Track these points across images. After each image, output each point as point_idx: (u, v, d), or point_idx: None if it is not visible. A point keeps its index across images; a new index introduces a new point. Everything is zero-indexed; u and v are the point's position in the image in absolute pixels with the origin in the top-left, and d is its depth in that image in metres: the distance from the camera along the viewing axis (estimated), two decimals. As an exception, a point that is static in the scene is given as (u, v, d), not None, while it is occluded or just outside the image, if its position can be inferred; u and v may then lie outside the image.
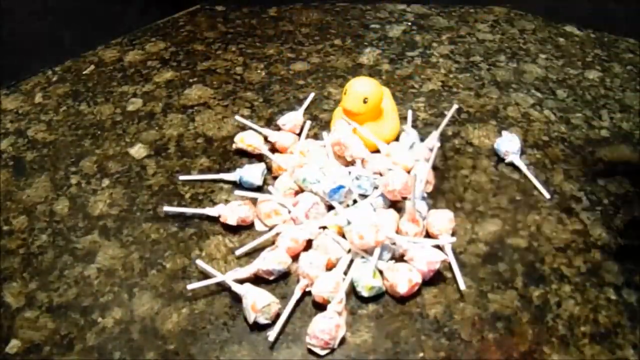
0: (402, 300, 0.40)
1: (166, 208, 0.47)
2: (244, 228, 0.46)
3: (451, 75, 0.64)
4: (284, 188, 0.47)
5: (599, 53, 0.68)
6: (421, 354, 0.37)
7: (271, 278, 0.41)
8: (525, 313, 0.40)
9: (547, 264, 0.43)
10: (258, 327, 0.39)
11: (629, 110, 0.59)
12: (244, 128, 0.56)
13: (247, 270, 0.41)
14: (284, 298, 0.40)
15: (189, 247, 0.45)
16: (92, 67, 0.67)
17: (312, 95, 0.59)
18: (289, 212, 0.45)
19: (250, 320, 0.38)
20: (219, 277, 0.40)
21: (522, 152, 0.52)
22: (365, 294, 0.40)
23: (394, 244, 0.42)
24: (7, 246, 0.45)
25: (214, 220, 0.46)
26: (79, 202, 0.49)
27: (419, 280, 0.40)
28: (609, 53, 0.68)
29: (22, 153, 0.55)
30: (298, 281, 0.41)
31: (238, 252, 0.43)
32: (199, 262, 0.41)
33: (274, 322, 0.39)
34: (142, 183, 0.51)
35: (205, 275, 0.42)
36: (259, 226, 0.46)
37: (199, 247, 0.45)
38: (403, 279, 0.39)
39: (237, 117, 0.56)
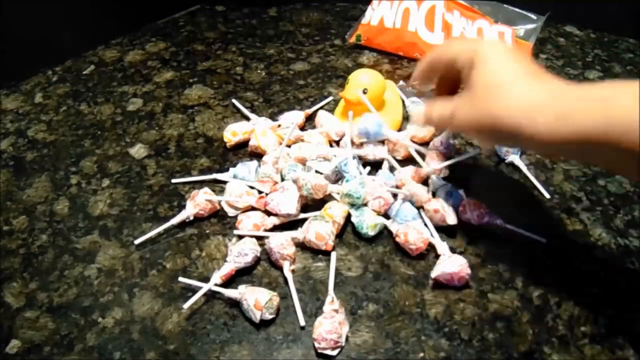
0: (415, 257, 0.43)
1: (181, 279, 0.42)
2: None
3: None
4: (263, 174, 0.47)
5: (599, 53, 0.68)
6: (421, 354, 0.37)
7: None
8: (525, 313, 0.40)
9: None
10: (264, 324, 0.39)
11: (629, 110, 0.59)
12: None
13: (226, 268, 0.41)
14: (284, 298, 0.40)
15: (189, 247, 0.45)
16: (92, 67, 0.67)
17: (330, 98, 0.59)
18: (259, 192, 0.47)
19: (257, 319, 0.38)
20: (205, 287, 0.40)
21: (522, 152, 0.52)
22: (371, 232, 0.43)
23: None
24: (7, 246, 0.45)
25: (214, 220, 0.47)
26: (79, 202, 0.49)
27: (428, 236, 0.43)
28: (609, 53, 0.68)
29: (22, 153, 0.55)
30: (281, 268, 0.42)
31: (234, 236, 0.44)
32: (181, 279, 0.41)
33: (277, 316, 0.39)
34: (142, 183, 0.51)
35: (205, 278, 0.42)
36: (229, 211, 0.46)
37: (199, 247, 0.45)
38: (415, 235, 0.42)
39: (233, 100, 0.58)
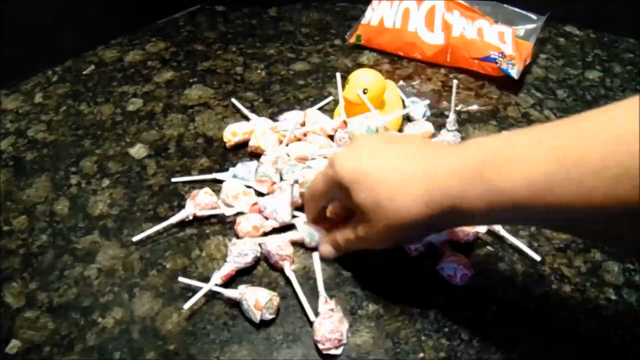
0: (415, 257, 0.43)
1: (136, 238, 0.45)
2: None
3: (451, 76, 0.64)
4: (262, 173, 0.47)
5: (599, 53, 0.68)
6: (421, 354, 0.37)
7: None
8: (525, 313, 0.40)
9: (547, 264, 0.43)
10: (264, 324, 0.39)
11: (629, 110, 0.59)
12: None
13: (226, 268, 0.41)
14: (284, 298, 0.40)
15: (189, 247, 0.45)
16: (92, 67, 0.67)
17: (330, 98, 0.59)
18: (256, 192, 0.47)
19: (257, 319, 0.38)
20: (205, 288, 0.40)
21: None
22: None
23: None
24: (7, 246, 0.45)
25: (214, 220, 0.46)
26: (79, 202, 0.49)
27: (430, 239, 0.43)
28: (609, 53, 0.68)
29: (22, 153, 0.55)
30: (281, 270, 0.42)
31: (234, 236, 0.44)
32: (181, 279, 0.41)
33: (277, 316, 0.39)
34: (142, 183, 0.51)
35: (205, 279, 0.42)
36: (225, 210, 0.46)
37: (199, 247, 0.45)
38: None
39: (233, 100, 0.58)
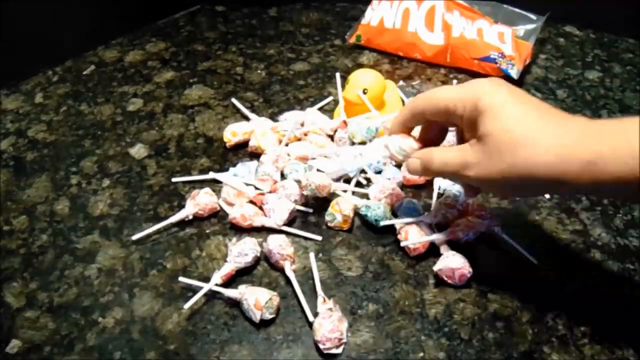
0: (415, 257, 0.43)
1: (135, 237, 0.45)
2: (243, 230, 0.46)
3: (451, 76, 0.64)
4: (262, 172, 0.48)
5: (598, 53, 0.68)
6: (421, 354, 0.37)
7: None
8: (525, 313, 0.40)
9: (547, 264, 0.43)
10: (264, 324, 0.39)
11: (629, 110, 0.59)
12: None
13: (226, 268, 0.41)
14: (284, 298, 0.40)
15: (189, 247, 0.45)
16: (93, 67, 0.67)
17: (330, 98, 0.59)
18: (255, 188, 0.47)
19: (257, 318, 0.38)
20: (205, 288, 0.40)
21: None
22: (382, 213, 0.44)
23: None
24: (7, 246, 0.45)
25: (214, 220, 0.47)
26: (79, 202, 0.49)
27: (429, 237, 0.42)
28: (608, 53, 0.68)
29: (22, 153, 0.55)
30: (282, 270, 0.42)
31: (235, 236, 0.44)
32: (181, 279, 0.41)
33: (277, 316, 0.39)
34: (142, 183, 0.51)
35: (205, 278, 0.42)
36: (228, 210, 0.46)
37: (199, 247, 0.45)
38: (416, 235, 0.42)
39: (233, 100, 0.58)
